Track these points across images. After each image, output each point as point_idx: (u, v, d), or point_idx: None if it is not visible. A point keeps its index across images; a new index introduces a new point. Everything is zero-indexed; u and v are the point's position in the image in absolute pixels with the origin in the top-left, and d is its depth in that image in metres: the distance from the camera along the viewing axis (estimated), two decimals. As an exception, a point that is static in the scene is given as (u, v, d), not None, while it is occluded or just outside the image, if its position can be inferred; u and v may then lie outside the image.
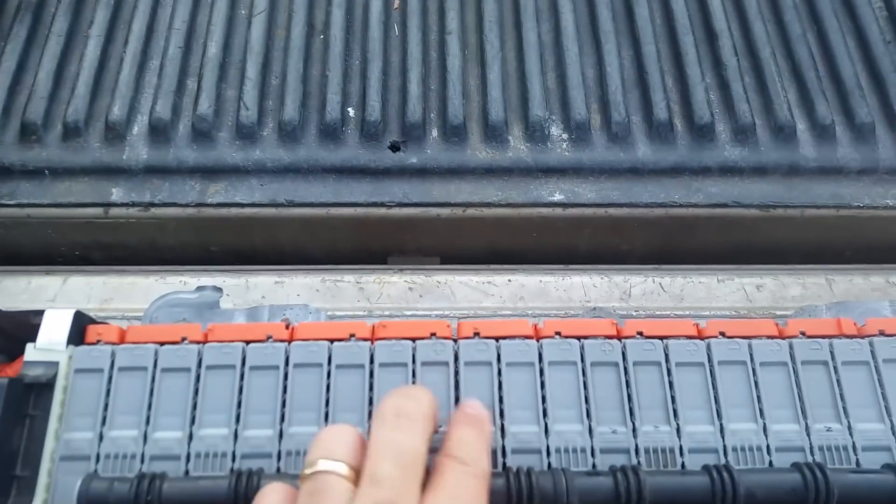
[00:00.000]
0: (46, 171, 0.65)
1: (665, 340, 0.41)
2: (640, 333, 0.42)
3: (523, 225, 0.66)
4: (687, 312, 0.61)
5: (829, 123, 0.68)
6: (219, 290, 0.57)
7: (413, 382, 0.40)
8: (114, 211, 0.64)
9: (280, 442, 0.39)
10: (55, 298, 0.61)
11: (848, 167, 0.67)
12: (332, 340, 0.42)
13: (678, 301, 0.62)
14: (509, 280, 0.62)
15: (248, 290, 0.61)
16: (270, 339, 0.42)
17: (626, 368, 0.41)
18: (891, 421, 0.39)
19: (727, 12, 0.74)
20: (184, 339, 0.42)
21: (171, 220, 0.65)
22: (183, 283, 0.61)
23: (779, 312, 0.60)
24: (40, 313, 0.43)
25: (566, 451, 0.38)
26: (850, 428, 0.39)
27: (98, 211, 0.64)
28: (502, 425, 0.39)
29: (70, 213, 0.65)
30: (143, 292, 0.60)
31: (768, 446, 0.39)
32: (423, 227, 0.66)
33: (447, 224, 0.66)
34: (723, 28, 0.73)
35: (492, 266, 0.64)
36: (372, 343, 0.41)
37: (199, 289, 0.57)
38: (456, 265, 0.65)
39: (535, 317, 0.59)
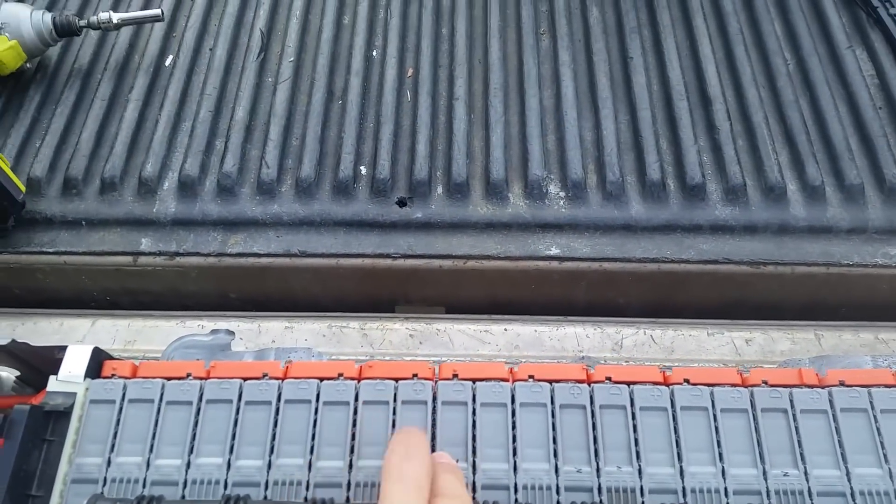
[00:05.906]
0: (83, 223, 0.72)
1: (631, 386, 0.44)
2: (609, 378, 0.44)
3: (521, 277, 0.69)
4: (677, 364, 0.62)
5: (819, 184, 0.70)
6: (231, 333, 0.61)
7: (393, 421, 0.44)
8: (142, 259, 0.70)
9: (268, 472, 0.42)
10: (84, 339, 0.66)
11: (838, 226, 0.69)
12: (321, 379, 0.45)
13: (668, 353, 0.64)
14: (505, 329, 0.65)
15: (260, 335, 0.65)
16: (266, 377, 0.45)
17: (593, 411, 0.43)
18: (846, 468, 0.41)
19: (722, 79, 0.78)
20: (188, 374, 0.46)
21: (193, 268, 0.70)
22: (201, 326, 0.66)
23: (766, 366, 0.61)
24: (63, 349, 0.47)
25: (533, 488, 0.41)
26: (806, 474, 0.41)
27: (128, 259, 0.70)
28: (474, 462, 0.42)
29: (102, 260, 0.70)
30: (164, 335, 0.65)
31: (726, 489, 0.41)
32: (426, 278, 0.70)
33: (449, 275, 0.69)
34: (717, 94, 0.77)
35: (490, 315, 0.67)
36: (358, 382, 0.45)
37: (214, 332, 0.61)
38: (456, 314, 0.68)
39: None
